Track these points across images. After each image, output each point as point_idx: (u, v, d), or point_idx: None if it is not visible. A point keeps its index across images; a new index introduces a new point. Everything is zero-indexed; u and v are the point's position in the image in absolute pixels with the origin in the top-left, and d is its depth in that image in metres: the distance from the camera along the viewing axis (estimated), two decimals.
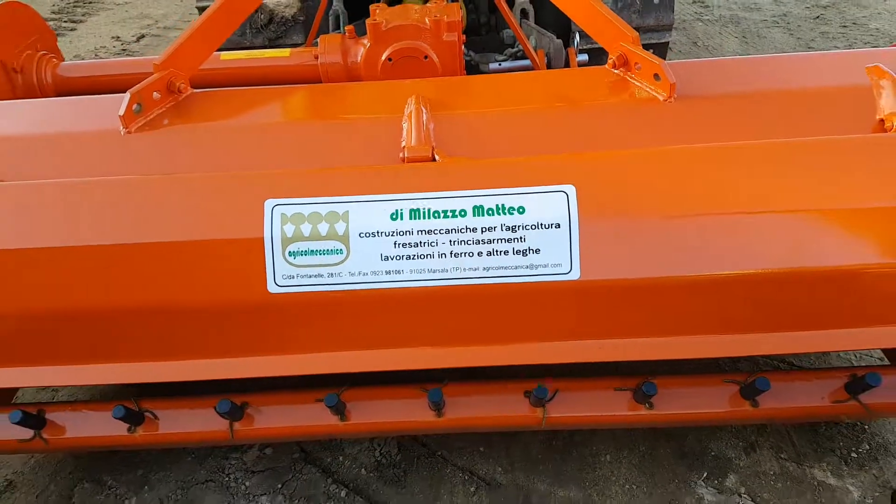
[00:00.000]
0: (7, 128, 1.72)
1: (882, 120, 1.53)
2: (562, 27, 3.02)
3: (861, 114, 1.57)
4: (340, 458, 1.92)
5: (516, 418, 1.64)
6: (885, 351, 1.91)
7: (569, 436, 1.94)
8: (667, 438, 1.92)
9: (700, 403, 1.64)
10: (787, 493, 1.79)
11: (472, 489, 1.83)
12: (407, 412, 1.64)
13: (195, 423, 1.66)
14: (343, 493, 1.83)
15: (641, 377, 1.60)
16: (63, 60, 2.32)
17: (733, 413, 1.63)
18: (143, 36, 5.71)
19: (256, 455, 1.94)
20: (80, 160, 1.62)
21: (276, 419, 1.66)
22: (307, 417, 1.65)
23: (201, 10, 3.17)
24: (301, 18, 3.15)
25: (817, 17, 5.36)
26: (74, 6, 6.57)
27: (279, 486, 1.86)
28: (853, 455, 1.87)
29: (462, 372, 1.62)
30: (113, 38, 5.66)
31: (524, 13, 3.05)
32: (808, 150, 1.47)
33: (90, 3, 6.72)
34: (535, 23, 3.01)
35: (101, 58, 5.09)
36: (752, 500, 1.77)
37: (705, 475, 1.83)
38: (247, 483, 1.88)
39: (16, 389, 1.95)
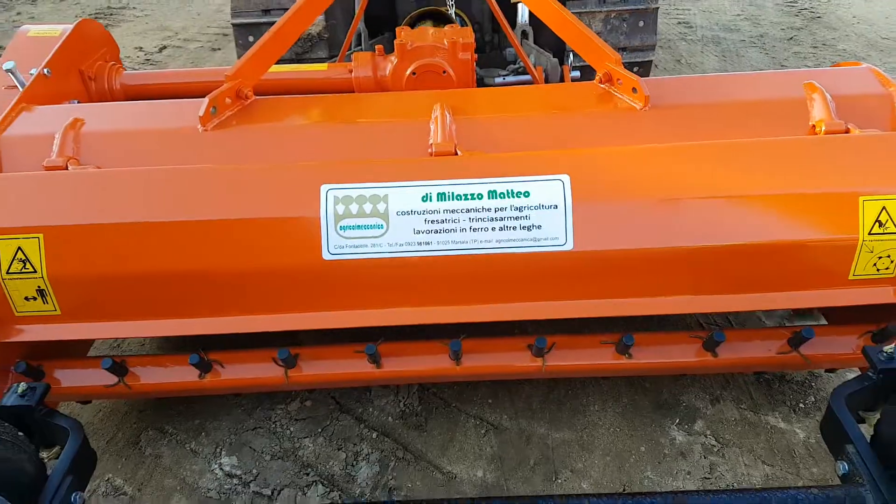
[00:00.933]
0: (105, 125, 2.07)
1: (813, 125, 1.92)
2: (558, 47, 3.40)
3: (798, 121, 1.95)
4: (370, 409, 2.27)
5: (521, 367, 1.99)
6: (823, 313, 2.29)
7: (563, 391, 2.30)
8: (645, 392, 2.28)
9: (670, 355, 2.00)
10: (746, 434, 2.15)
11: (482, 432, 2.18)
12: (431, 362, 1.99)
13: (255, 371, 2.00)
14: (374, 436, 2.18)
15: (622, 332, 1.95)
16: (125, 70, 2.69)
17: (698, 363, 1.99)
18: (164, 47, 6.08)
19: (298, 406, 2.29)
20: (167, 152, 1.98)
21: (322, 367, 2.00)
22: (348, 366, 1.99)
23: (236, 26, 3.54)
24: (326, 35, 3.52)
25: (790, 38, 5.78)
26: (96, 18, 6.93)
27: (319, 430, 2.21)
28: (801, 406, 2.23)
29: (476, 328, 1.98)
30: (136, 48, 6.02)
31: (524, 34, 3.43)
32: (755, 148, 1.85)
33: (111, 15, 7.10)
34: (534, 43, 3.39)
35: (127, 66, 5.44)
36: (715, 440, 2.13)
37: (677, 421, 2.19)
38: (291, 429, 2.22)
39: (91, 343, 2.29)
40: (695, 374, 2.26)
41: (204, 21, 7.01)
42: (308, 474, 2.06)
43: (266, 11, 3.58)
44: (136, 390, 1.99)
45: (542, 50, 3.27)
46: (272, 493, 2.01)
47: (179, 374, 2.00)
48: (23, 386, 1.77)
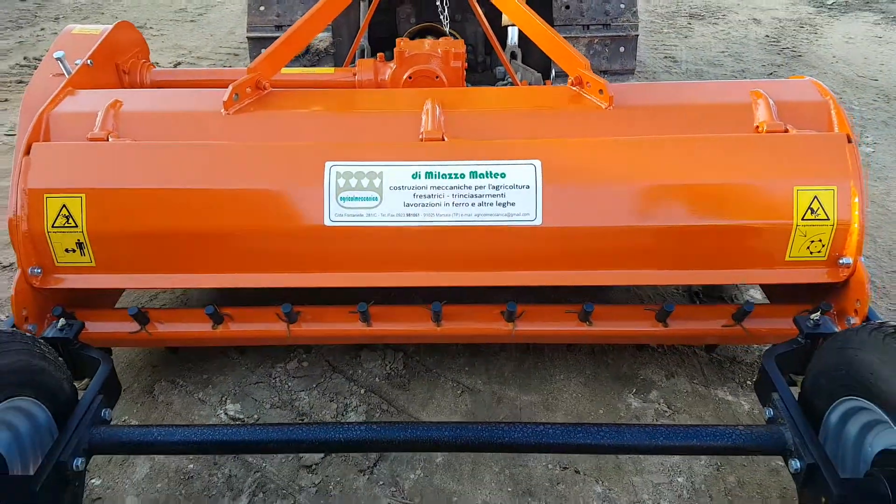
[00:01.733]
0: (140, 107, 2.37)
1: (757, 126, 2.21)
2: (543, 66, 3.72)
3: (744, 122, 2.24)
4: (359, 371, 2.53)
5: (494, 331, 2.26)
6: (765, 293, 2.56)
7: (533, 362, 2.56)
8: (606, 366, 2.54)
9: (627, 324, 2.27)
10: (695, 404, 2.40)
11: (459, 392, 2.44)
12: (415, 322, 2.26)
13: (262, 325, 2.26)
14: (362, 392, 2.43)
15: (584, 303, 2.22)
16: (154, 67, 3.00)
17: (651, 332, 2.25)
18: (178, 63, 6.43)
19: (295, 366, 2.54)
20: (194, 130, 2.27)
21: (320, 324, 2.27)
22: (343, 324, 2.26)
23: (251, 39, 3.87)
24: (332, 51, 3.85)
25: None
26: None
27: (314, 386, 2.46)
28: (748, 383, 2.49)
29: (455, 296, 2.25)
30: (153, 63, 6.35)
31: (513, 55, 3.75)
32: (705, 143, 2.14)
33: None
34: (522, 62, 3.72)
35: None
36: (667, 407, 2.38)
37: (634, 391, 2.45)
38: (289, 384, 2.48)
39: (118, 297, 2.56)
40: (649, 343, 2.51)
41: (216, 41, 7.38)
42: (303, 420, 2.31)
43: (279, 27, 3.91)
44: (156, 337, 2.26)
45: (527, 68, 3.59)
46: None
47: (195, 325, 2.27)
48: (62, 322, 2.05)
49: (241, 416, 2.33)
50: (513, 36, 3.75)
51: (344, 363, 2.56)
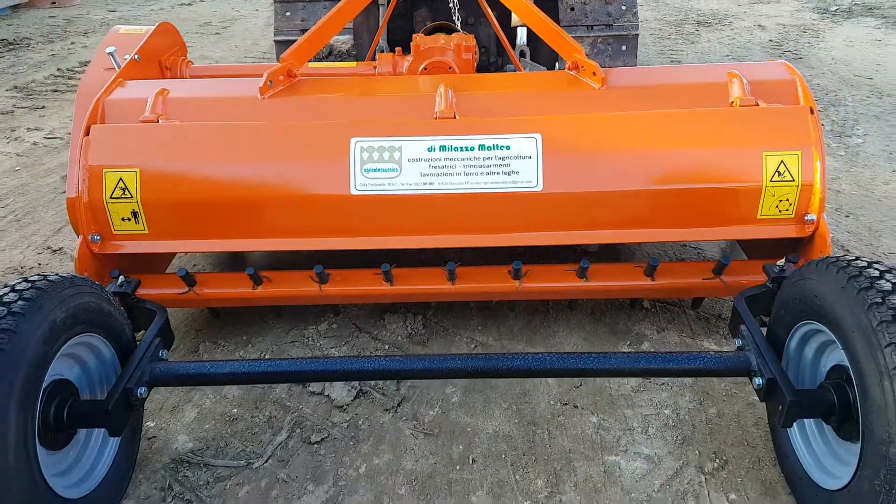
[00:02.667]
0: (185, 93, 2.68)
1: (731, 101, 2.48)
2: (550, 63, 4.01)
3: (721, 98, 2.51)
4: (383, 331, 2.81)
5: (502, 287, 2.53)
6: (743, 249, 2.82)
7: (539, 321, 2.83)
8: (604, 324, 2.80)
9: (619, 279, 2.55)
10: None
11: (473, 347, 2.71)
12: (432, 282, 2.54)
13: (296, 285, 2.55)
14: (386, 347, 2.71)
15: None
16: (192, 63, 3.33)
17: (640, 286, 2.52)
18: None
19: (326, 327, 2.83)
20: (233, 112, 2.57)
21: (348, 285, 2.55)
22: (368, 284, 2.55)
23: (277, 42, 4.19)
24: (353, 52, 4.17)
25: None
26: None
27: (342, 344, 2.75)
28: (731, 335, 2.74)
29: (468, 256, 2.53)
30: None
31: (522, 53, 4.04)
32: (686, 116, 2.42)
33: None
34: (531, 59, 4.01)
35: None
36: None
37: (628, 343, 2.71)
38: (320, 342, 2.76)
39: (168, 263, 2.86)
40: (639, 296, 2.76)
41: (241, 52, 7.74)
42: None
43: (303, 31, 4.22)
44: (202, 297, 2.55)
45: (535, 65, 3.88)
46: (304, 383, 2.54)
47: (237, 286, 2.56)
48: (122, 278, 2.35)
49: None
50: (521, 36, 4.03)
51: (369, 325, 2.84)
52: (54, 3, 10.26)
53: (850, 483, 1.75)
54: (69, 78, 6.80)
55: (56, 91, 6.38)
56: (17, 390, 1.63)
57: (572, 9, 4.20)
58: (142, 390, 1.98)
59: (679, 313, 2.87)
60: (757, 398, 1.99)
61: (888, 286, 1.68)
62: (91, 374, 2.05)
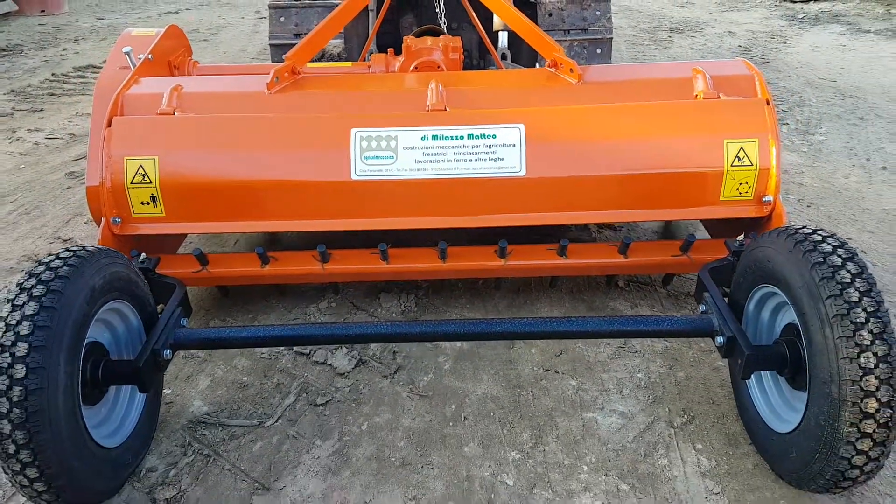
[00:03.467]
0: (198, 89, 2.90)
1: (696, 94, 2.75)
2: (531, 64, 4.28)
3: (686, 92, 2.78)
4: (379, 309, 3.04)
5: (489, 265, 2.76)
6: (706, 229, 3.09)
7: (522, 300, 3.06)
8: (582, 301, 3.05)
9: (595, 257, 2.79)
10: None
11: (458, 345, 2.94)
12: (425, 260, 2.77)
13: (301, 264, 2.78)
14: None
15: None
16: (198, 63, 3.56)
17: (615, 263, 2.77)
18: None
19: (326, 305, 3.05)
20: (243, 106, 2.80)
21: (348, 263, 2.78)
22: (366, 263, 2.78)
23: (273, 46, 4.42)
24: (344, 55, 4.41)
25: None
26: None
27: (342, 320, 2.97)
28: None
29: (457, 237, 2.76)
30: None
31: (504, 56, 4.30)
32: (655, 108, 2.68)
33: None
34: (512, 61, 4.27)
35: None
36: None
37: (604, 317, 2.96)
38: (321, 319, 2.98)
39: (180, 243, 3.07)
40: (614, 272, 3.00)
41: (230, 58, 7.97)
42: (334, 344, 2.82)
43: (297, 35, 4.47)
44: (214, 275, 2.77)
45: (516, 66, 4.14)
46: (309, 352, 2.76)
47: (246, 266, 2.78)
48: (143, 256, 2.56)
49: None
50: (503, 39, 4.29)
51: (366, 303, 3.07)
52: (43, 11, 10.41)
53: (799, 424, 2.00)
54: (64, 82, 6.98)
55: (52, 94, 6.56)
56: (65, 345, 1.84)
57: (550, 14, 4.48)
58: (167, 352, 2.20)
59: (651, 291, 3.12)
60: (722, 363, 2.24)
61: (829, 248, 1.94)
62: (119, 340, 2.26)
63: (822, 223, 3.84)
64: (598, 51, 4.53)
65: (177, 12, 11.18)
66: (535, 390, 2.55)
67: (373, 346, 2.80)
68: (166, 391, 2.59)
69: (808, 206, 4.07)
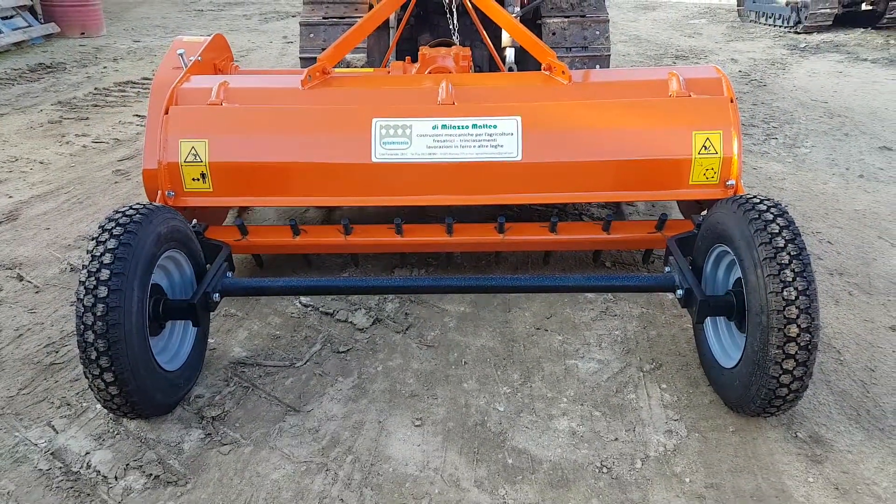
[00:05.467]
0: (242, 84, 3.38)
1: (670, 94, 3.18)
2: None
3: (662, 91, 3.20)
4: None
5: (489, 239, 3.19)
6: (680, 210, 3.51)
7: (507, 301, 3.46)
8: (563, 298, 3.41)
9: (582, 233, 3.22)
10: (635, 296, 3.31)
11: (462, 309, 3.36)
12: (434, 234, 3.21)
13: (327, 236, 3.22)
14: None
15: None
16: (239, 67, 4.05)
17: (599, 238, 3.18)
18: None
19: (348, 275, 3.49)
20: (281, 99, 3.27)
21: (367, 236, 3.22)
22: (383, 236, 3.21)
23: (302, 59, 4.93)
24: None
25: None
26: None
27: None
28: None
29: (463, 213, 3.19)
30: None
31: (511, 70, 4.77)
32: (635, 104, 3.10)
33: None
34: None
35: None
36: (613, 297, 3.28)
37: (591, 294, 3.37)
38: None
39: (226, 215, 3.52)
40: (599, 248, 3.40)
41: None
42: (354, 306, 3.25)
43: (324, 49, 4.95)
44: (252, 244, 3.22)
45: None
46: (333, 312, 3.19)
47: (280, 237, 3.23)
48: (195, 221, 3.01)
49: (311, 304, 3.27)
50: (510, 55, 4.77)
51: (383, 276, 3.50)
52: (83, 33, 11.07)
53: (741, 357, 2.40)
54: (106, 95, 7.53)
55: (96, 105, 7.10)
56: (138, 275, 2.29)
57: (554, 33, 4.95)
58: (216, 295, 2.64)
59: (634, 271, 3.53)
60: (689, 325, 2.62)
61: (763, 207, 2.36)
62: (175, 286, 2.70)
63: (797, 220, 4.23)
64: (598, 66, 4.98)
65: (208, 37, 11.77)
66: (527, 343, 2.96)
67: (388, 307, 3.23)
68: (210, 341, 3.02)
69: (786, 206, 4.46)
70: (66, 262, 3.74)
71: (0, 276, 3.67)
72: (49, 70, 8.73)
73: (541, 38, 4.88)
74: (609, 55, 5.02)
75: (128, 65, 9.18)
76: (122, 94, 7.60)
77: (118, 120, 6.55)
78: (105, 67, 8.98)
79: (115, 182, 4.93)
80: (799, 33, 11.69)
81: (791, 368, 2.20)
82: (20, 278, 3.63)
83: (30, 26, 10.29)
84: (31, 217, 4.39)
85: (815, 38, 11.18)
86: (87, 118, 6.63)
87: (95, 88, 7.80)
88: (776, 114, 6.65)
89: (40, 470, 2.34)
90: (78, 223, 4.25)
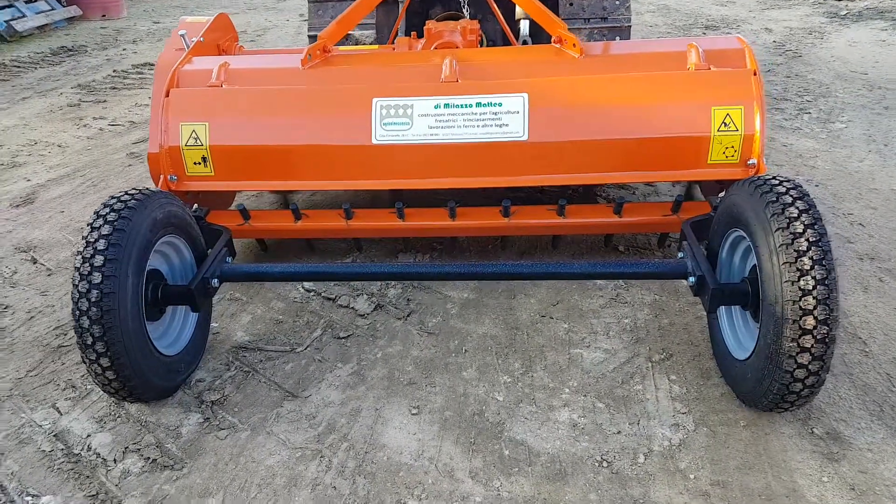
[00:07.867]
0: (242, 65, 3.29)
1: (688, 67, 3.00)
2: None
3: (681, 64, 3.03)
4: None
5: (494, 223, 3.07)
6: (701, 190, 3.35)
7: (512, 287, 3.27)
8: (571, 284, 3.26)
9: (591, 216, 3.08)
10: (648, 283, 3.16)
11: (465, 295, 3.26)
12: (436, 218, 3.09)
13: (329, 220, 3.13)
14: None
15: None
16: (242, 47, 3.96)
17: (610, 222, 3.05)
18: None
19: (350, 261, 3.40)
20: (281, 79, 3.17)
21: (369, 220, 3.13)
22: (385, 220, 3.11)
23: (310, 36, 4.81)
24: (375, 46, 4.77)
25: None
26: None
27: None
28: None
29: (466, 196, 3.08)
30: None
31: (525, 42, 4.61)
32: (652, 78, 2.92)
33: None
34: None
35: None
36: (624, 283, 3.15)
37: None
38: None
39: (231, 200, 3.46)
40: (610, 231, 3.27)
41: None
42: (357, 291, 3.16)
43: None
44: (254, 229, 3.15)
45: None
46: (335, 297, 3.12)
47: (282, 221, 3.15)
48: (196, 206, 2.94)
49: (314, 289, 3.19)
50: (524, 28, 4.60)
51: (386, 262, 3.41)
52: (104, 16, 11.09)
53: (754, 349, 2.27)
54: (124, 78, 7.52)
55: (114, 88, 7.09)
56: (132, 261, 2.26)
57: (571, 4, 4.76)
58: (215, 281, 2.59)
59: (648, 255, 3.38)
60: (705, 314, 2.49)
61: (782, 189, 2.21)
62: (174, 271, 2.65)
63: (826, 199, 4.04)
64: (618, 38, 4.78)
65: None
66: (530, 331, 2.85)
67: (390, 293, 3.14)
68: (213, 325, 2.96)
69: (816, 186, 4.26)
70: (77, 245, 3.72)
71: (15, 258, 3.68)
72: (70, 53, 8.75)
73: (557, 8, 4.70)
74: (630, 26, 4.82)
75: (146, 46, 9.15)
76: (140, 76, 7.58)
77: (135, 102, 6.54)
78: (124, 50, 8.97)
79: (129, 165, 4.90)
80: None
81: (806, 362, 2.06)
82: (34, 261, 3.63)
83: (52, 10, 10.33)
84: (46, 200, 4.40)
85: (858, 3, 10.71)
86: (105, 101, 6.63)
87: (114, 71, 7.79)
88: (811, 86, 6.37)
89: (43, 451, 2.36)
90: (91, 206, 4.23)
